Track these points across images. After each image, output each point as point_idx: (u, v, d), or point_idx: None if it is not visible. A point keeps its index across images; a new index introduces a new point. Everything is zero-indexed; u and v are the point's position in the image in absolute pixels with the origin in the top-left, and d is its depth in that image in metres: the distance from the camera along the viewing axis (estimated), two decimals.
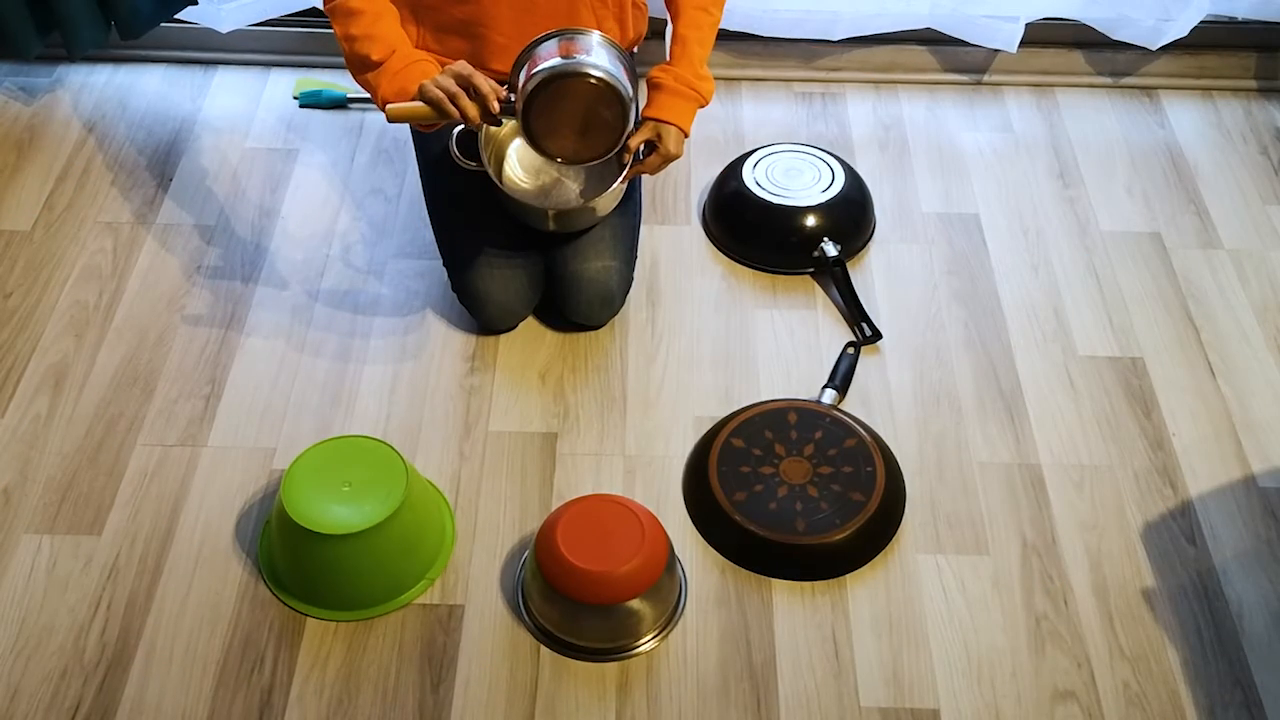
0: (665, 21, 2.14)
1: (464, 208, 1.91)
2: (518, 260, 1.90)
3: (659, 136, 1.77)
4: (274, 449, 1.79)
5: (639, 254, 2.03)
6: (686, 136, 1.79)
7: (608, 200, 1.84)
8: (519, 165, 1.92)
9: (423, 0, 1.80)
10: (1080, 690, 1.55)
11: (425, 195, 2.00)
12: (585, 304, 1.91)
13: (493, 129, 1.84)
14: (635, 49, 1.96)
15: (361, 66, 1.71)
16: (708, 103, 1.79)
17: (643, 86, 1.85)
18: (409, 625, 1.60)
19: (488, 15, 1.78)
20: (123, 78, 2.43)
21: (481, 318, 1.93)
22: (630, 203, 1.95)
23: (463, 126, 1.72)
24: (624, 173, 1.80)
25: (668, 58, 1.80)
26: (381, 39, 1.69)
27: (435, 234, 1.97)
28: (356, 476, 1.60)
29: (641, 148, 1.79)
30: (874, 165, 2.26)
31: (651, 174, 1.83)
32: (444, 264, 1.95)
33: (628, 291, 1.96)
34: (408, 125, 2.02)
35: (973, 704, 1.53)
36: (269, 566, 1.65)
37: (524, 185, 1.90)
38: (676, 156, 1.78)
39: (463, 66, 1.61)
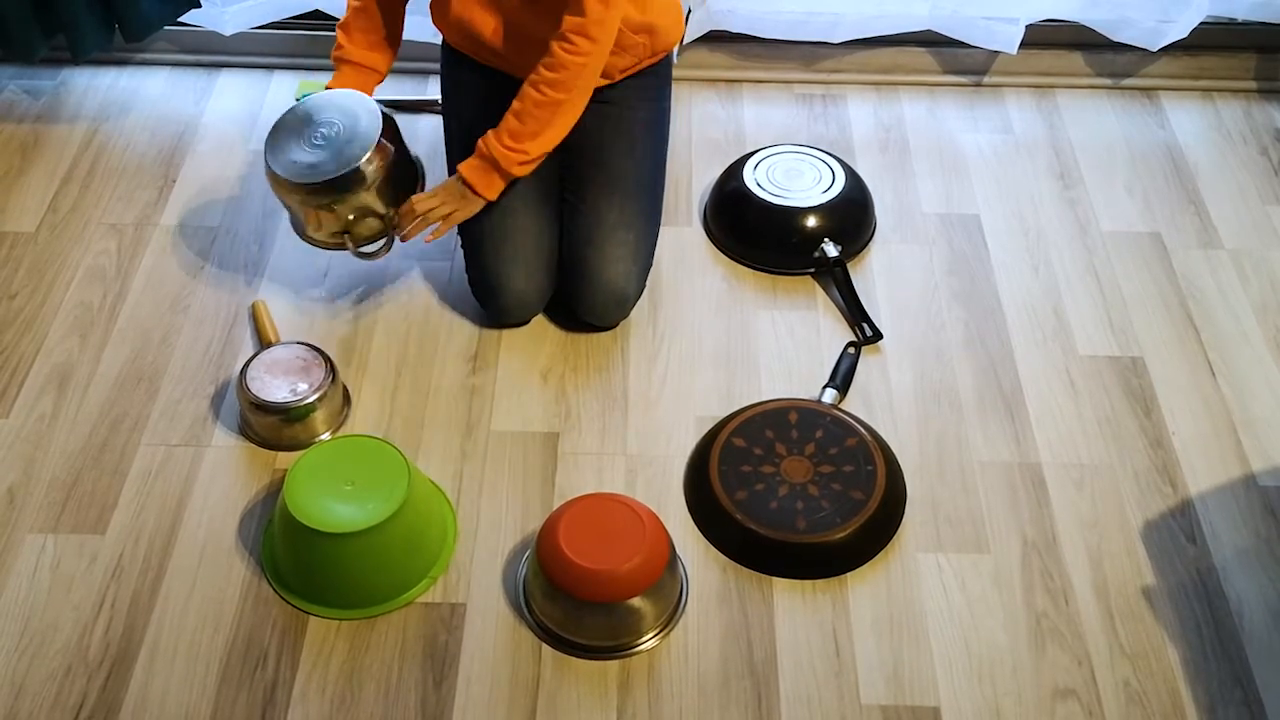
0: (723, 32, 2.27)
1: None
2: (542, 252, 1.91)
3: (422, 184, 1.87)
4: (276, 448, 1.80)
5: None
6: (477, 193, 1.82)
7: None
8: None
9: None
10: (1081, 688, 1.55)
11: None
12: (601, 305, 1.91)
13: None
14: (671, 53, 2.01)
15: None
16: (506, 169, 1.80)
17: None
18: (411, 623, 1.61)
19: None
20: (127, 80, 2.44)
21: (495, 308, 1.93)
22: (654, 209, 1.97)
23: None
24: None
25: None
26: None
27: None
28: (359, 475, 1.61)
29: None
30: (875, 166, 2.27)
31: (425, 214, 1.83)
32: (463, 249, 1.95)
33: (640, 294, 1.96)
34: (441, 120, 2.09)
35: (973, 702, 1.54)
36: (272, 565, 1.66)
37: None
38: (434, 203, 1.83)
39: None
